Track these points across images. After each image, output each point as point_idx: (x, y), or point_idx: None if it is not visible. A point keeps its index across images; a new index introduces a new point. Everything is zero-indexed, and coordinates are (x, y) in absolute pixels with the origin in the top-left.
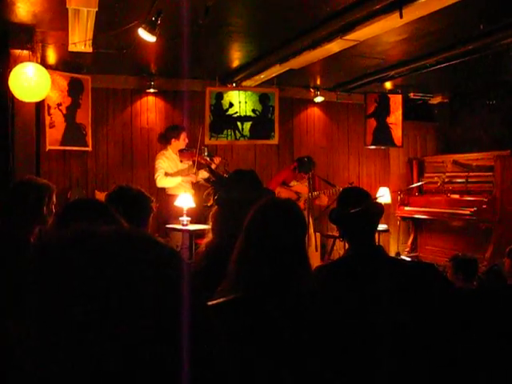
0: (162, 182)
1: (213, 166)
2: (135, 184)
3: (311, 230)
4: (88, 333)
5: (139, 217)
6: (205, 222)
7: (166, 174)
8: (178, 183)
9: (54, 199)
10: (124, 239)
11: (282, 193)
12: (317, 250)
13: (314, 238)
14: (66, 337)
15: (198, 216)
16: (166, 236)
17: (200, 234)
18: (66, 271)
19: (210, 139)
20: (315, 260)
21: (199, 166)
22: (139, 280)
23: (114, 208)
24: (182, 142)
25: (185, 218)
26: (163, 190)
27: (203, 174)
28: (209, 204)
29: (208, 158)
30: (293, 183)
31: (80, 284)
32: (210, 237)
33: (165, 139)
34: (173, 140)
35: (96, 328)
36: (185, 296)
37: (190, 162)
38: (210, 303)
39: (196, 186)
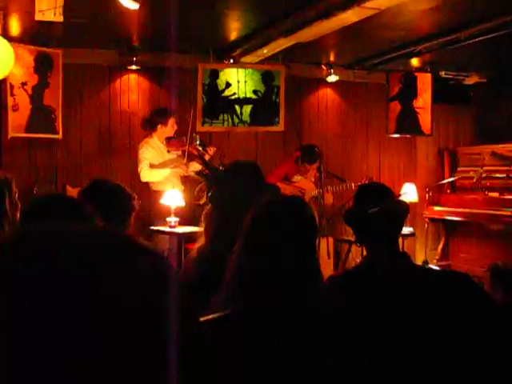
0: (146, 175)
1: (206, 158)
2: (114, 178)
3: (323, 233)
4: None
5: (118, 216)
6: (196, 224)
7: (152, 166)
8: (165, 176)
9: (16, 189)
10: (99, 241)
11: (282, 190)
12: (329, 258)
13: (325, 243)
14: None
15: (188, 216)
16: (149, 240)
17: (191, 238)
18: (17, 281)
19: (202, 125)
20: (327, 269)
21: (190, 158)
22: (116, 293)
23: (89, 206)
24: (169, 128)
25: (172, 219)
26: (147, 185)
27: (195, 167)
28: (201, 202)
29: (200, 148)
30: (296, 178)
31: (35, 296)
32: (202, 241)
33: (149, 125)
34: (159, 126)
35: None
36: (172, 314)
37: (179, 153)
38: (203, 319)
39: (186, 180)
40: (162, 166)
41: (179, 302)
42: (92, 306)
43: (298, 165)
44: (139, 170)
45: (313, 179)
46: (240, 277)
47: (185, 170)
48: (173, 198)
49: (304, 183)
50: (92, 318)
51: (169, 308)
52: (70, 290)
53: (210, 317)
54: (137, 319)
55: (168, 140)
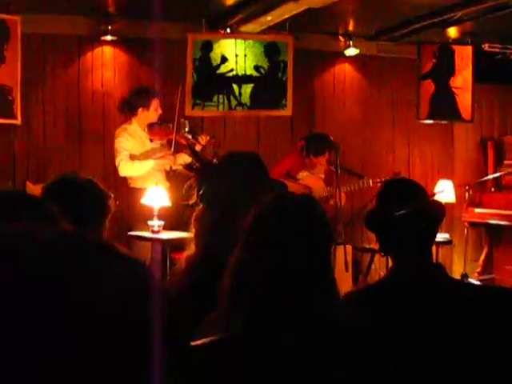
0: (126, 168)
1: (197, 148)
2: (85, 173)
3: (339, 241)
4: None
5: (90, 219)
6: (185, 229)
7: (132, 158)
8: (147, 171)
9: None
10: (67, 247)
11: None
12: (347, 270)
13: (343, 253)
14: None
15: (174, 219)
16: (127, 248)
17: (178, 246)
18: None
19: (193, 109)
20: (345, 283)
21: (178, 148)
22: (86, 311)
23: (55, 206)
24: (152, 112)
25: (156, 223)
26: (125, 181)
27: (183, 159)
28: (191, 202)
29: (190, 137)
30: (301, 175)
31: None
32: (192, 249)
33: (128, 108)
34: (140, 110)
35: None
36: (155, 337)
37: (164, 142)
38: (196, 343)
39: (172, 175)
40: (145, 156)
41: (164, 316)
42: (58, 307)
43: (304, 158)
44: (117, 162)
45: (322, 176)
46: (238, 291)
47: (172, 161)
48: (156, 196)
49: (310, 180)
50: (59, 319)
51: (151, 320)
52: (31, 290)
53: (203, 341)
54: (114, 326)
55: (151, 127)
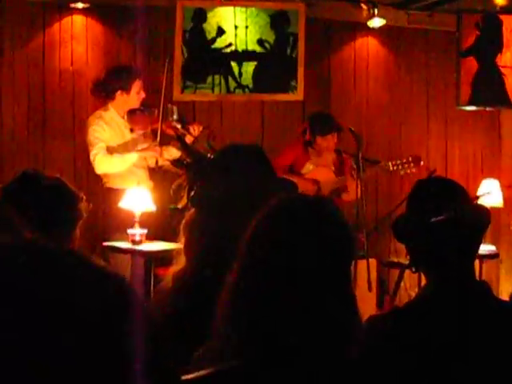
0: (103, 163)
1: (188, 140)
2: (50, 170)
3: (361, 253)
4: None
5: (57, 226)
6: (173, 239)
7: (110, 151)
8: (128, 166)
9: None
10: (30, 259)
11: None
12: (370, 290)
13: (365, 269)
14: None
15: (160, 227)
16: (103, 260)
17: (164, 259)
18: None
19: (182, 92)
20: (368, 306)
21: (164, 140)
22: (49, 339)
23: (14, 209)
24: (133, 96)
25: (137, 231)
26: (100, 180)
27: (171, 153)
28: (180, 206)
29: (179, 126)
30: (307, 168)
31: None
32: (181, 263)
33: (104, 91)
34: (118, 93)
35: None
36: (138, 367)
37: (148, 132)
38: (187, 378)
39: (158, 173)
40: (124, 149)
41: (149, 342)
42: (29, 309)
43: (307, 143)
44: (92, 157)
45: (332, 168)
46: (237, 315)
47: (159, 154)
48: (138, 199)
49: (318, 172)
50: (30, 321)
51: (134, 352)
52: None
53: (197, 374)
54: (92, 363)
55: (131, 114)
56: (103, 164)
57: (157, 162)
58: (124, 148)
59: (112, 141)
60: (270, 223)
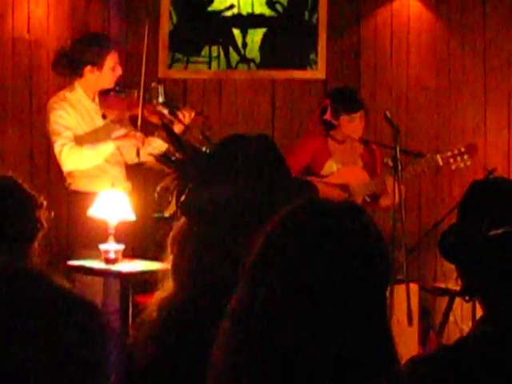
0: (72, 157)
1: (177, 129)
2: (1, 167)
3: (399, 277)
4: None
5: (11, 240)
6: (157, 256)
7: (79, 141)
8: (100, 161)
9: None
10: None
11: None
12: (411, 323)
13: (404, 296)
14: None
15: (141, 241)
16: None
17: (145, 283)
18: None
19: (170, 67)
20: (407, 343)
21: (146, 129)
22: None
23: None
24: (107, 73)
25: (111, 247)
26: (64, 180)
27: (155, 146)
28: (167, 214)
29: (166, 111)
30: (329, 167)
31: None
32: (168, 288)
33: (69, 66)
34: (87, 68)
35: None
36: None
37: (126, 118)
38: None
39: (137, 172)
40: (94, 138)
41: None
42: None
43: (327, 125)
44: (57, 149)
45: (361, 163)
46: (241, 361)
47: (141, 142)
48: (112, 205)
49: (346, 173)
50: None
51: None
52: None
53: None
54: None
55: (104, 95)
56: (73, 158)
57: (138, 154)
58: (94, 137)
59: (79, 128)
60: (282, 239)
